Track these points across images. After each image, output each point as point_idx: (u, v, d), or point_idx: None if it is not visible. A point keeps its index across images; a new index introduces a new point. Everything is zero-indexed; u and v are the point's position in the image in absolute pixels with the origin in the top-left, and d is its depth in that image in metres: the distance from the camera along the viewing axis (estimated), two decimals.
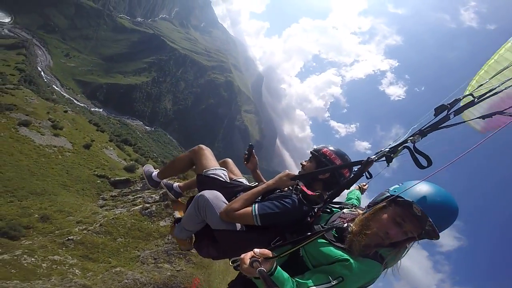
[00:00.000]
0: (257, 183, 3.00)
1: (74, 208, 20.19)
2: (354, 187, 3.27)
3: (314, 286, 1.80)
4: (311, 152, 2.72)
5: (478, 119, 2.12)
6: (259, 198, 2.51)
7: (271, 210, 2.30)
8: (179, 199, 3.59)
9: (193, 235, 2.93)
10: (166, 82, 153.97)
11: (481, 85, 2.01)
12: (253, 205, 2.36)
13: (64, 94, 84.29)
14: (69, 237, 14.66)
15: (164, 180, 3.57)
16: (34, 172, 26.40)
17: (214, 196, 2.52)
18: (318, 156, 2.62)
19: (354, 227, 1.97)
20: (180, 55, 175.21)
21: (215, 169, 2.93)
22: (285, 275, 1.78)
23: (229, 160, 3.33)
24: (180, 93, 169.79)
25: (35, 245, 13.92)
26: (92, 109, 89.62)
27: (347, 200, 3.05)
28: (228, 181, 2.89)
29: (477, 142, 1.72)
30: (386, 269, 1.95)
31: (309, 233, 2.01)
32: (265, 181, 2.94)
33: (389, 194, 1.94)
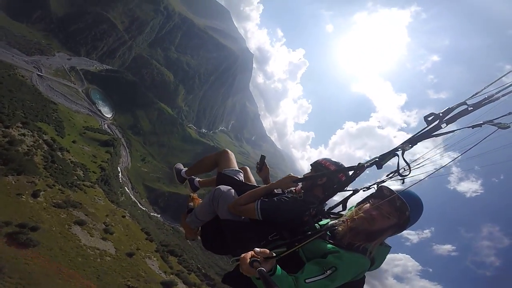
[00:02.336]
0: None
1: None
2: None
3: (310, 278, 1.90)
4: (310, 164, 3.09)
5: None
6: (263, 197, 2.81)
7: (271, 206, 2.61)
8: (195, 194, 3.81)
9: (199, 228, 3.26)
10: None
11: (477, 93, 1.98)
12: (257, 201, 2.65)
13: (132, 196, 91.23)
14: None
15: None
16: (62, 271, 25.09)
17: (228, 190, 2.89)
18: (316, 166, 3.01)
19: (346, 219, 2.25)
20: None
21: (234, 170, 3.35)
22: (285, 274, 1.84)
23: (247, 168, 3.64)
24: None
25: None
26: (152, 214, 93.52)
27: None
28: (243, 181, 3.28)
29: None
30: (373, 266, 2.18)
31: (309, 233, 2.19)
32: None
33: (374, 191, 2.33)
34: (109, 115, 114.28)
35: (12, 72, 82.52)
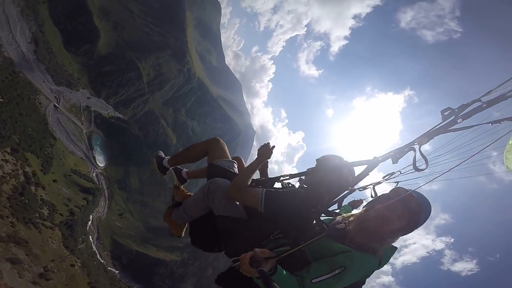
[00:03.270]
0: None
1: None
2: (346, 203, 3.18)
3: (316, 278, 1.85)
4: (316, 159, 2.82)
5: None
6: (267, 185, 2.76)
7: (276, 196, 2.40)
8: (182, 186, 3.52)
9: (187, 225, 3.05)
10: (194, 265, 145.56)
11: (490, 91, 1.97)
12: (262, 190, 2.43)
13: (93, 246, 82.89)
14: None
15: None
16: None
17: (225, 184, 2.61)
18: (322, 162, 2.74)
19: (353, 219, 2.16)
20: None
21: (228, 160, 3.08)
22: (287, 274, 1.80)
23: (241, 158, 3.38)
24: (206, 279, 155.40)
25: None
26: (109, 268, 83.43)
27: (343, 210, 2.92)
28: (237, 173, 3.00)
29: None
30: (381, 265, 2.14)
31: (313, 232, 2.12)
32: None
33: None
34: (101, 164, 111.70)
35: (33, 97, 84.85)
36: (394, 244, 2.19)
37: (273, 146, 2.74)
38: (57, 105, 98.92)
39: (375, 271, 2.16)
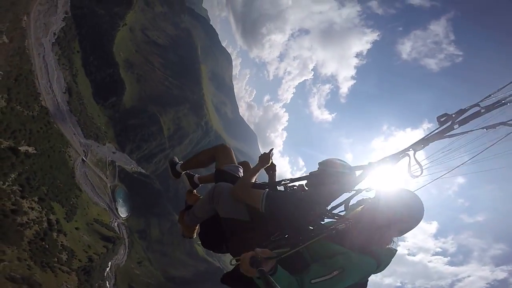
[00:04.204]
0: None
1: None
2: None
3: (316, 279, 1.85)
4: (318, 162, 2.85)
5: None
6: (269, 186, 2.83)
7: (277, 198, 2.48)
8: (194, 191, 3.67)
9: (198, 226, 3.19)
10: None
11: (489, 95, 1.94)
12: (263, 191, 2.52)
13: None
14: None
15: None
16: None
17: (228, 187, 2.73)
18: (323, 165, 2.76)
19: (352, 218, 2.17)
20: None
21: (234, 166, 3.21)
22: (287, 274, 1.81)
23: (248, 163, 3.46)
24: None
25: None
26: None
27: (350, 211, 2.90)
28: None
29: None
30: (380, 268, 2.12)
31: (313, 234, 2.13)
32: None
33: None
34: (123, 215, 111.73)
35: (64, 150, 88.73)
36: (394, 248, 2.17)
37: (272, 154, 2.95)
38: (85, 159, 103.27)
39: (376, 274, 2.15)
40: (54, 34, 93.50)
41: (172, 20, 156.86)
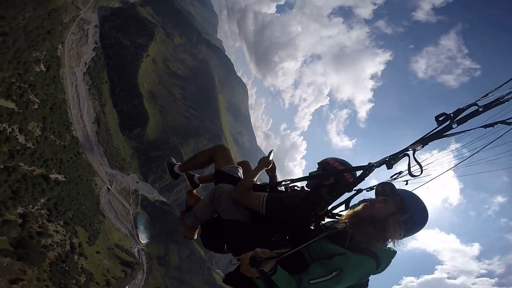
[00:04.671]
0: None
1: None
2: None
3: (315, 279, 1.85)
4: (318, 163, 2.88)
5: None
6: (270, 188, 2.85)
7: (277, 200, 2.50)
8: (194, 191, 3.68)
9: (199, 227, 3.16)
10: None
11: (487, 94, 1.95)
12: (264, 194, 2.55)
13: None
14: None
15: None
16: None
17: (229, 189, 2.73)
18: (323, 165, 2.79)
19: (351, 216, 2.16)
20: None
21: (233, 166, 3.18)
22: (286, 274, 1.81)
23: (248, 163, 3.48)
24: None
25: None
26: None
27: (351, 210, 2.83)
28: (241, 179, 3.05)
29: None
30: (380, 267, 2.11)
31: (313, 234, 2.12)
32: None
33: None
34: (144, 241, 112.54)
35: (91, 178, 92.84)
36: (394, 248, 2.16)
37: (271, 159, 2.98)
38: (110, 187, 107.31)
39: (377, 274, 2.18)
40: (85, 64, 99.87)
41: (190, 52, 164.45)
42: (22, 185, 58.26)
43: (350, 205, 2.53)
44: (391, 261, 2.14)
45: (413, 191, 2.17)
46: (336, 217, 2.44)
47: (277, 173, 3.16)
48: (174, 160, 3.77)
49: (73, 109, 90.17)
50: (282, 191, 2.90)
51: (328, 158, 2.84)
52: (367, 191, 2.42)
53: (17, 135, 61.05)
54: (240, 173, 3.18)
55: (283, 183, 2.99)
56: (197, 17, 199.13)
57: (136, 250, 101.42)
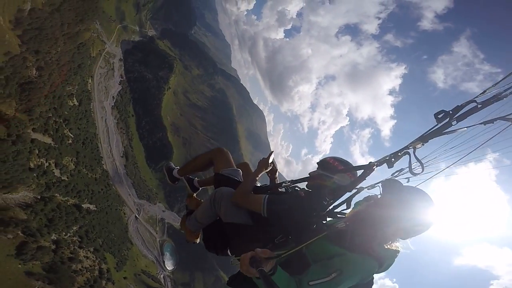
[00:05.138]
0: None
1: None
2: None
3: (314, 280, 1.82)
4: (317, 162, 2.80)
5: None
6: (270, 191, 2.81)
7: (278, 202, 2.46)
8: (195, 194, 3.68)
9: (201, 231, 3.14)
10: None
11: (485, 91, 1.91)
12: (264, 196, 2.51)
13: None
14: None
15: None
16: None
17: (229, 192, 2.71)
18: (323, 165, 2.71)
19: (352, 216, 2.13)
20: None
21: (233, 169, 3.16)
22: (286, 275, 1.78)
23: (247, 164, 3.45)
24: None
25: None
26: None
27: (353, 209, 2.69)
28: (241, 181, 3.02)
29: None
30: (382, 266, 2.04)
31: (312, 234, 2.03)
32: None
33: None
34: (170, 268, 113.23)
35: (120, 208, 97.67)
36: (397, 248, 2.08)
37: (271, 161, 2.90)
38: (137, 216, 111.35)
39: (381, 273, 2.12)
40: (113, 97, 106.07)
41: (208, 82, 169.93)
42: (56, 214, 63.05)
43: (354, 202, 2.48)
44: (394, 260, 2.08)
45: (421, 189, 2.05)
46: (338, 215, 2.42)
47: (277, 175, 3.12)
48: (173, 165, 3.76)
49: (103, 143, 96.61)
50: (283, 192, 2.84)
51: (328, 157, 2.79)
52: (368, 189, 2.36)
53: (53, 169, 66.78)
54: (240, 176, 3.16)
55: (284, 184, 2.95)
56: (211, 48, 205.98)
57: (162, 276, 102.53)
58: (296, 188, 2.88)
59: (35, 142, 59.21)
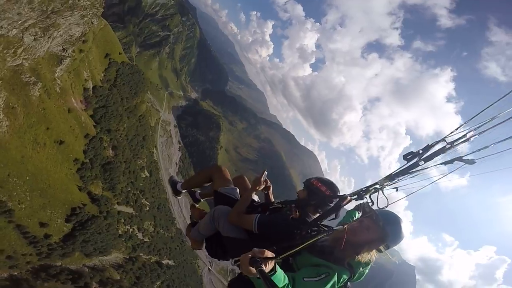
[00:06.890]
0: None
1: None
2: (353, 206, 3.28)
3: (308, 278, 2.08)
4: (303, 182, 3.22)
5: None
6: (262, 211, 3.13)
7: (266, 221, 2.83)
8: (197, 205, 4.11)
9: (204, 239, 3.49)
10: None
11: (455, 129, 2.05)
12: (256, 216, 2.87)
13: None
14: None
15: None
16: None
17: (226, 211, 3.09)
18: (308, 186, 3.13)
19: (334, 234, 2.40)
20: None
21: (230, 188, 3.53)
22: (284, 274, 1.89)
23: (244, 177, 3.79)
24: None
25: None
26: None
27: (343, 220, 3.03)
28: (238, 199, 3.38)
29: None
30: (354, 276, 2.34)
31: (300, 242, 2.21)
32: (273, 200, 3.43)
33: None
34: None
35: (194, 261, 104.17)
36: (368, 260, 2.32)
37: (264, 179, 3.23)
38: (210, 268, 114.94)
39: (355, 282, 2.38)
40: (176, 164, 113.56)
41: (254, 134, 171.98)
42: (143, 272, 71.26)
43: (346, 211, 2.93)
44: (366, 271, 2.41)
45: (391, 212, 2.30)
46: (324, 229, 2.58)
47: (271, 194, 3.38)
48: (177, 178, 4.12)
49: (174, 206, 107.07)
50: (273, 210, 3.03)
51: (313, 178, 3.11)
52: (350, 196, 2.64)
53: (136, 233, 76.93)
54: (237, 193, 3.46)
55: (274, 205, 3.14)
56: (247, 99, 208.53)
57: None
58: (286, 208, 3.00)
59: (121, 213, 70.44)
